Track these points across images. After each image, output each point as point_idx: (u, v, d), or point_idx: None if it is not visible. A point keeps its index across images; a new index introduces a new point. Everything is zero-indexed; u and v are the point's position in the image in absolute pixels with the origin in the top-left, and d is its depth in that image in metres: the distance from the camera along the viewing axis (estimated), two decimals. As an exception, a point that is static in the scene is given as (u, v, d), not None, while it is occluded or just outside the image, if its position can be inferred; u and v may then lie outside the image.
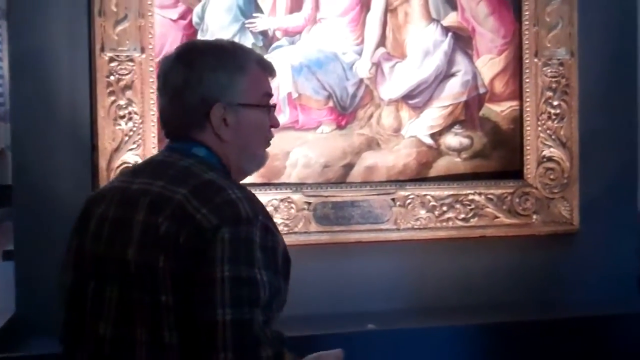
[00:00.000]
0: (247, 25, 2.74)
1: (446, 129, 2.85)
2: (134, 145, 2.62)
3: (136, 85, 2.62)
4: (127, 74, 2.62)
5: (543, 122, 2.85)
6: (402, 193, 2.80)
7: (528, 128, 2.85)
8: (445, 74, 2.83)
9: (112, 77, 2.61)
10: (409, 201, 2.80)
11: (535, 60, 2.84)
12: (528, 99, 2.84)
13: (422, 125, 2.84)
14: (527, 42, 2.83)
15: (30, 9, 2.58)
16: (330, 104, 2.78)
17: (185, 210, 1.26)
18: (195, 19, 2.71)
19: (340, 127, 2.80)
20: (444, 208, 2.82)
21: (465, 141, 2.85)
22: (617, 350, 2.67)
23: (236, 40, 2.71)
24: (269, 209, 2.66)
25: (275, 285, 1.28)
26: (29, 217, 2.58)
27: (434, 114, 2.84)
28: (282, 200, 2.72)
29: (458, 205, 2.82)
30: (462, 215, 2.82)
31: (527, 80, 2.84)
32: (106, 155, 2.61)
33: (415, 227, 2.80)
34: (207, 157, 1.39)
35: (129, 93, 2.61)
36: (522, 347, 2.62)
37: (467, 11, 2.83)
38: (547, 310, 2.78)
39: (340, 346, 1.46)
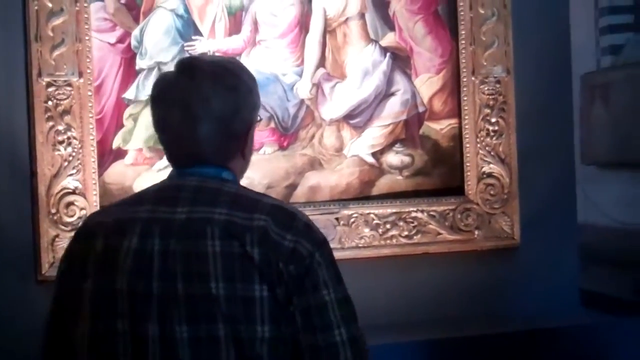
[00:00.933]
0: (186, 48, 2.76)
1: (387, 147, 2.89)
2: (74, 171, 2.60)
3: (75, 110, 2.61)
4: (65, 99, 2.61)
5: (482, 139, 2.91)
6: (346, 212, 2.82)
7: (467, 145, 2.90)
8: (385, 94, 2.88)
9: (50, 102, 2.59)
10: (352, 220, 2.83)
11: (473, 78, 2.90)
12: (466, 117, 2.90)
13: (363, 145, 2.88)
14: (464, 60, 2.90)
15: (-36, 34, 2.57)
16: (272, 125, 2.81)
17: (270, 237, 1.27)
18: (133, 43, 2.72)
19: (282, 147, 2.82)
20: (388, 226, 2.85)
21: (407, 159, 2.89)
22: (560, 362, 2.72)
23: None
24: (211, 231, 2.66)
25: None
26: (-35, 245, 2.54)
27: (375, 133, 2.88)
28: (224, 222, 2.71)
29: (401, 223, 2.85)
30: (406, 233, 2.86)
31: (465, 98, 2.90)
32: (45, 181, 2.59)
33: (360, 245, 2.83)
34: (235, 180, 1.42)
35: (67, 118, 2.60)
36: (468, 362, 2.64)
37: (405, 31, 2.90)
38: (492, 324, 2.82)
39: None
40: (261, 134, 2.80)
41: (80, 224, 1.45)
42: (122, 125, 2.70)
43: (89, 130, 2.61)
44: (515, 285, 2.94)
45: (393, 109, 2.89)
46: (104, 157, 2.67)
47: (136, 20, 2.72)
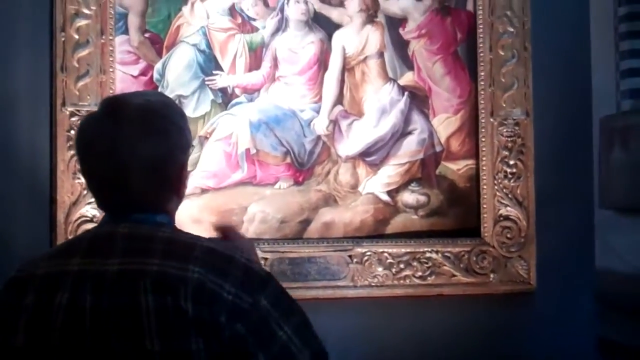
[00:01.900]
0: (206, 82, 2.81)
1: (403, 186, 2.90)
2: (92, 199, 2.63)
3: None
4: (87, 129, 2.65)
5: (499, 180, 2.90)
6: (359, 250, 2.82)
7: (484, 187, 2.90)
8: (402, 132, 2.90)
9: (72, 131, 2.66)
10: (366, 258, 2.82)
11: (491, 120, 2.91)
12: (484, 158, 2.90)
13: (379, 182, 2.89)
14: (482, 102, 2.91)
15: (-8, 64, 2.65)
16: (288, 160, 2.83)
17: (207, 289, 1.23)
18: (156, 75, 2.79)
19: (297, 183, 2.84)
20: (401, 265, 2.84)
21: (422, 198, 2.89)
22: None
23: (196, 96, 2.78)
24: (224, 264, 2.67)
25: None
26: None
27: (391, 172, 2.89)
28: (238, 255, 2.72)
29: (415, 263, 2.84)
30: (420, 273, 2.84)
31: (483, 140, 2.90)
32: (64, 209, 2.65)
33: (373, 284, 2.82)
34: (169, 223, 1.38)
35: (88, 148, 2.64)
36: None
37: (424, 71, 2.92)
38: (505, 370, 2.77)
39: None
40: (277, 169, 2.83)
41: (12, 274, 1.38)
42: (141, 156, 2.74)
43: (108, 160, 2.65)
44: (531, 331, 2.90)
45: (410, 148, 2.90)
46: (122, 187, 2.70)
47: (159, 54, 2.79)
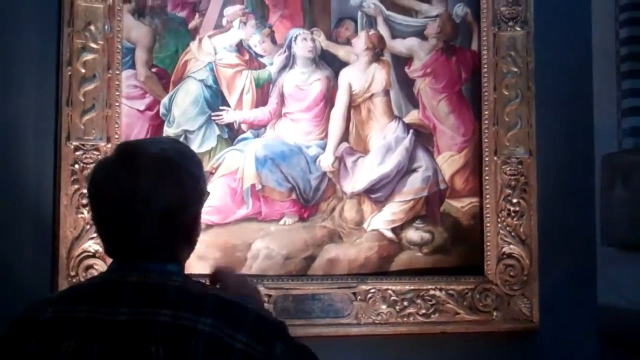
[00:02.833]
0: (213, 118, 2.85)
1: (407, 223, 2.94)
2: (95, 235, 2.64)
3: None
4: (91, 163, 2.69)
5: (503, 219, 2.94)
6: (364, 287, 2.85)
7: (488, 224, 2.94)
8: (406, 170, 2.94)
9: (76, 166, 2.68)
10: (370, 295, 2.85)
11: (495, 158, 2.96)
12: (488, 196, 2.94)
13: (384, 219, 2.93)
14: (486, 140, 2.96)
15: (-1, 98, 2.67)
16: (293, 196, 2.87)
17: (218, 341, 1.24)
18: (162, 110, 2.82)
19: (302, 219, 2.87)
20: (405, 303, 2.86)
21: (427, 236, 2.93)
22: None
23: (202, 132, 2.81)
24: (229, 301, 2.69)
25: None
26: (-17, 306, 2.57)
27: (396, 209, 2.93)
28: (242, 292, 2.74)
29: (419, 301, 2.87)
30: (423, 311, 2.87)
31: (487, 178, 2.95)
32: (67, 244, 2.66)
33: (377, 322, 2.84)
34: (180, 272, 1.38)
35: (92, 182, 2.66)
36: None
37: (428, 109, 2.98)
38: (509, 408, 2.79)
39: None
40: (282, 205, 2.86)
41: (16, 317, 1.37)
42: (145, 191, 2.76)
43: (113, 194, 2.66)
44: (534, 369, 2.93)
45: (414, 185, 2.94)
46: (126, 222, 2.72)
47: (166, 89, 2.83)
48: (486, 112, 2.97)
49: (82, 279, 2.61)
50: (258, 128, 2.88)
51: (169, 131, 2.80)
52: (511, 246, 2.94)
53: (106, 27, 2.73)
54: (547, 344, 2.95)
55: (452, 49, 3.01)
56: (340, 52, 2.94)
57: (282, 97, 2.89)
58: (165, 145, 1.45)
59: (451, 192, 2.97)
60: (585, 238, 3.08)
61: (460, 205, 2.98)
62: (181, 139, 2.80)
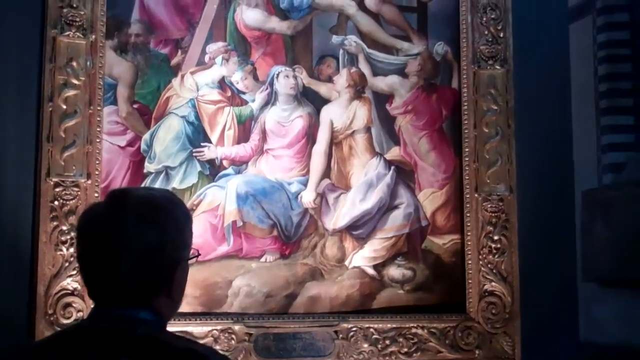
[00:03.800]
0: (194, 154, 2.88)
1: (389, 260, 2.97)
2: (74, 272, 2.66)
3: (80, 211, 2.69)
4: (71, 199, 2.70)
5: (484, 256, 2.98)
6: (345, 325, 2.86)
7: (469, 262, 2.98)
8: (388, 206, 2.98)
9: (56, 202, 2.69)
10: (351, 334, 2.86)
11: (476, 195, 3.01)
12: (469, 233, 2.99)
13: (365, 256, 2.96)
14: (467, 177, 3.02)
15: (-23, 134, 2.68)
16: (275, 233, 2.89)
17: None
18: (143, 146, 2.84)
19: (284, 256, 2.90)
20: (387, 342, 2.88)
21: (408, 273, 2.96)
22: None
23: (183, 168, 2.84)
24: (209, 340, 2.70)
25: None
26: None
27: (377, 245, 2.96)
28: (222, 330, 2.76)
29: (401, 339, 2.89)
30: (405, 349, 2.89)
31: (468, 215, 3.00)
32: (45, 281, 2.66)
33: (358, 360, 2.84)
34: (154, 321, 1.37)
35: (72, 218, 2.69)
36: None
37: (409, 146, 3.03)
38: None
39: None
40: (263, 242, 2.87)
41: None
42: (126, 228, 2.77)
43: (93, 231, 2.67)
44: (516, 408, 2.94)
45: (396, 222, 2.98)
46: (106, 260, 2.72)
47: (147, 125, 2.86)
48: (467, 149, 3.03)
49: (60, 317, 2.62)
50: (240, 164, 2.91)
51: (149, 167, 2.83)
52: (493, 283, 2.97)
53: (88, 63, 2.76)
54: (529, 382, 2.97)
55: (432, 87, 3.07)
56: (322, 89, 3.00)
57: (263, 133, 2.93)
58: (154, 191, 1.49)
59: (433, 228, 3.01)
60: (567, 274, 3.14)
61: (442, 242, 3.01)
62: (162, 175, 2.83)
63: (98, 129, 2.76)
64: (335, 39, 3.02)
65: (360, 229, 2.96)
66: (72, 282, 2.64)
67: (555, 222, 3.12)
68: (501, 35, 3.08)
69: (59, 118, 2.72)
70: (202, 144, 2.88)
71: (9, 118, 2.73)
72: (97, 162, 2.75)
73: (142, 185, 2.80)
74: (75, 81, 2.75)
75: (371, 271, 2.94)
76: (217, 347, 2.70)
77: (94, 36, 2.78)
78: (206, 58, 2.92)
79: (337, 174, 2.98)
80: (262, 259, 2.87)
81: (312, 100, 2.99)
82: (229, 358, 1.38)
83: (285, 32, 2.99)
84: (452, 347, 2.92)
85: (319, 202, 2.94)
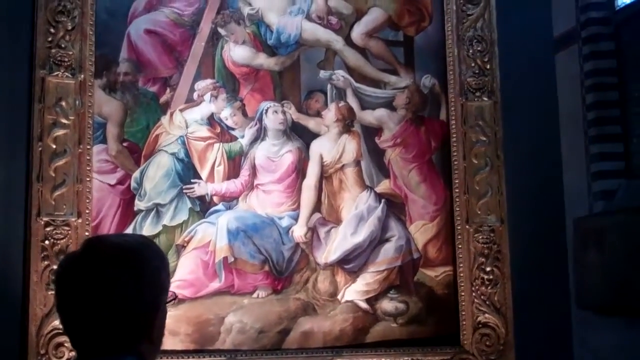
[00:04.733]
0: (185, 191, 2.91)
1: (382, 293, 2.98)
2: (65, 311, 2.64)
3: (71, 250, 2.70)
4: (62, 239, 2.72)
5: (477, 287, 3.00)
6: (339, 360, 2.86)
7: (462, 293, 2.99)
8: (379, 239, 3.01)
9: (47, 242, 2.71)
10: (346, 369, 2.86)
11: (467, 226, 3.04)
12: (461, 265, 3.00)
13: (357, 290, 2.97)
14: (458, 209, 3.04)
15: (-33, 175, 2.70)
16: (267, 268, 2.91)
17: None
18: (133, 184, 2.87)
19: (276, 291, 2.91)
20: (381, 376, 2.88)
21: (401, 306, 2.97)
22: None
23: (174, 205, 2.86)
24: (202, 378, 2.70)
25: None
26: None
27: (370, 279, 2.98)
28: (215, 368, 2.76)
29: (395, 373, 2.88)
30: (399, 383, 2.88)
31: (460, 246, 3.02)
32: (36, 321, 2.67)
33: (353, 395, 2.84)
34: None
35: (62, 258, 2.67)
36: None
37: (399, 178, 3.07)
38: None
39: None
40: (255, 277, 2.89)
41: None
42: (116, 267, 2.78)
43: (83, 270, 2.68)
44: None
45: (388, 255, 3.00)
46: (97, 299, 2.73)
47: (137, 163, 2.89)
48: (456, 181, 3.06)
49: (53, 357, 2.63)
50: (230, 200, 2.94)
51: (140, 205, 2.85)
52: (486, 315, 2.98)
53: (77, 102, 2.80)
54: (525, 414, 2.97)
55: (421, 119, 3.12)
56: (311, 123, 3.04)
57: (253, 169, 2.96)
58: (128, 237, 1.51)
59: (425, 261, 3.03)
60: (560, 303, 3.14)
61: (434, 275, 3.03)
62: (152, 213, 2.85)
63: (88, 168, 2.80)
64: (323, 73, 3.07)
65: (352, 262, 2.98)
66: (63, 322, 2.64)
67: (548, 251, 3.14)
68: (488, 67, 3.13)
69: (48, 157, 2.76)
70: (192, 180, 2.92)
71: (-2, 158, 2.76)
72: (87, 200, 2.77)
73: (133, 223, 2.83)
74: (64, 121, 2.79)
75: (364, 305, 2.95)
76: (210, 386, 2.71)
77: (82, 76, 2.82)
78: (195, 95, 2.97)
79: (328, 208, 3.00)
80: (254, 295, 2.88)
81: (301, 135, 3.03)
82: None
83: (273, 68, 3.05)
84: (447, 380, 2.92)
85: (310, 237, 2.96)
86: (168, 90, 2.95)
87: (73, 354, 2.62)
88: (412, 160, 3.08)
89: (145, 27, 2.97)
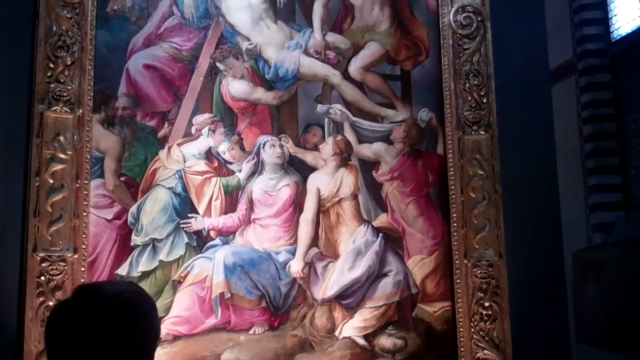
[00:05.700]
0: (182, 226, 2.89)
1: (380, 329, 2.96)
2: (60, 348, 2.62)
3: (67, 286, 2.70)
4: (58, 275, 2.71)
5: (476, 323, 2.97)
6: (337, 399, 2.83)
7: (461, 329, 2.97)
8: (377, 274, 2.99)
9: (42, 278, 2.69)
10: (343, 406, 2.83)
11: (465, 261, 3.03)
12: (459, 300, 2.99)
13: (355, 326, 2.95)
14: (456, 243, 3.03)
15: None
16: (263, 304, 2.89)
17: None
18: (130, 219, 2.87)
19: (273, 327, 2.89)
20: (380, 413, 2.85)
21: (399, 342, 2.95)
22: None
23: (170, 240, 2.85)
24: (197, 417, 2.66)
25: None
26: None
27: (367, 315, 2.96)
28: (210, 408, 2.73)
29: (394, 410, 2.86)
30: (398, 421, 2.85)
31: (458, 281, 3.01)
32: (31, 359, 2.63)
33: None
34: None
35: (58, 294, 2.69)
36: None
37: (397, 212, 3.06)
38: None
39: None
40: (252, 313, 2.87)
41: None
42: (112, 303, 2.76)
43: (79, 307, 2.66)
44: None
45: (385, 290, 2.98)
46: (92, 336, 2.71)
47: (134, 197, 2.88)
48: (454, 215, 3.05)
49: (46, 396, 2.58)
50: (227, 235, 2.93)
51: (136, 240, 2.84)
52: (485, 351, 2.96)
53: (75, 137, 2.80)
54: None
55: (418, 153, 3.12)
56: (308, 157, 3.04)
57: (251, 203, 2.96)
58: (122, 287, 1.52)
59: (423, 296, 3.01)
60: (560, 337, 3.12)
61: (433, 310, 3.01)
62: (149, 248, 2.84)
63: (85, 203, 2.79)
64: (321, 107, 3.09)
65: (350, 298, 2.96)
66: (57, 359, 2.62)
67: (546, 285, 3.12)
68: (484, 100, 3.14)
69: (45, 192, 2.75)
70: (189, 215, 2.91)
71: (-6, 194, 2.76)
72: (83, 236, 2.76)
73: (129, 258, 2.82)
74: (62, 155, 2.79)
75: (362, 341, 2.93)
76: None
77: (81, 110, 2.83)
78: (193, 129, 2.97)
79: (325, 242, 2.99)
80: (251, 331, 2.86)
81: (299, 169, 3.03)
82: None
83: (271, 102, 3.06)
84: (446, 418, 2.89)
85: (308, 272, 2.95)
86: (166, 124, 2.96)
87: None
88: (410, 194, 3.08)
89: (144, 61, 2.98)
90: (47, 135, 2.78)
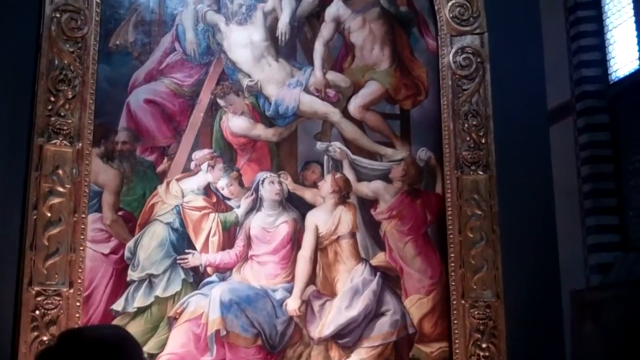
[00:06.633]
0: (178, 261, 2.89)
1: (376, 370, 2.93)
2: (52, 384, 2.59)
3: (61, 321, 2.69)
4: (53, 309, 2.69)
5: (473, 364, 2.95)
6: None
7: (458, 371, 2.94)
8: (374, 313, 2.98)
9: (37, 312, 2.67)
10: None
11: (463, 302, 3.01)
12: (457, 341, 2.97)
13: (352, 367, 2.91)
14: (453, 283, 3.02)
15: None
16: (259, 342, 2.87)
17: None
18: (127, 254, 2.86)
19: (268, 367, 2.86)
20: None
21: (396, 384, 2.92)
22: None
23: (167, 275, 2.84)
24: None
25: None
26: None
27: (364, 354, 2.94)
28: None
29: None
30: None
31: (455, 322, 2.99)
32: (24, 394, 2.59)
33: None
34: None
35: (53, 329, 2.67)
36: None
37: (395, 251, 3.06)
38: None
39: None
40: (247, 352, 2.85)
41: None
42: (107, 338, 2.74)
43: (73, 342, 2.64)
44: None
45: (383, 330, 2.96)
46: (86, 372, 2.68)
47: (132, 232, 2.88)
48: (452, 255, 3.04)
49: None
50: (224, 271, 2.92)
51: (132, 275, 2.83)
52: (483, 394, 2.94)
53: (74, 171, 2.80)
54: None
55: (416, 192, 3.12)
56: (307, 194, 3.04)
57: (248, 239, 2.95)
58: (105, 331, 1.50)
59: (420, 336, 2.99)
60: (558, 380, 3.10)
61: (430, 350, 2.99)
62: (145, 283, 2.83)
63: (82, 237, 2.78)
64: (320, 145, 3.10)
65: (347, 337, 2.94)
66: (50, 395, 2.59)
67: (544, 326, 3.10)
68: (483, 141, 3.15)
69: (43, 226, 2.74)
70: (186, 250, 2.90)
71: (-10, 227, 2.75)
72: (80, 270, 2.75)
73: (125, 294, 2.81)
74: (60, 189, 2.79)
75: (359, 383, 2.91)
76: None
77: (80, 144, 2.84)
78: (192, 165, 2.98)
79: (323, 280, 2.98)
80: (246, 372, 2.84)
81: (297, 206, 3.03)
82: None
83: (271, 139, 3.08)
84: None
85: (304, 310, 2.93)
86: (165, 159, 2.97)
87: None
88: (408, 233, 3.07)
89: (145, 96, 3.00)
90: (46, 168, 2.79)
